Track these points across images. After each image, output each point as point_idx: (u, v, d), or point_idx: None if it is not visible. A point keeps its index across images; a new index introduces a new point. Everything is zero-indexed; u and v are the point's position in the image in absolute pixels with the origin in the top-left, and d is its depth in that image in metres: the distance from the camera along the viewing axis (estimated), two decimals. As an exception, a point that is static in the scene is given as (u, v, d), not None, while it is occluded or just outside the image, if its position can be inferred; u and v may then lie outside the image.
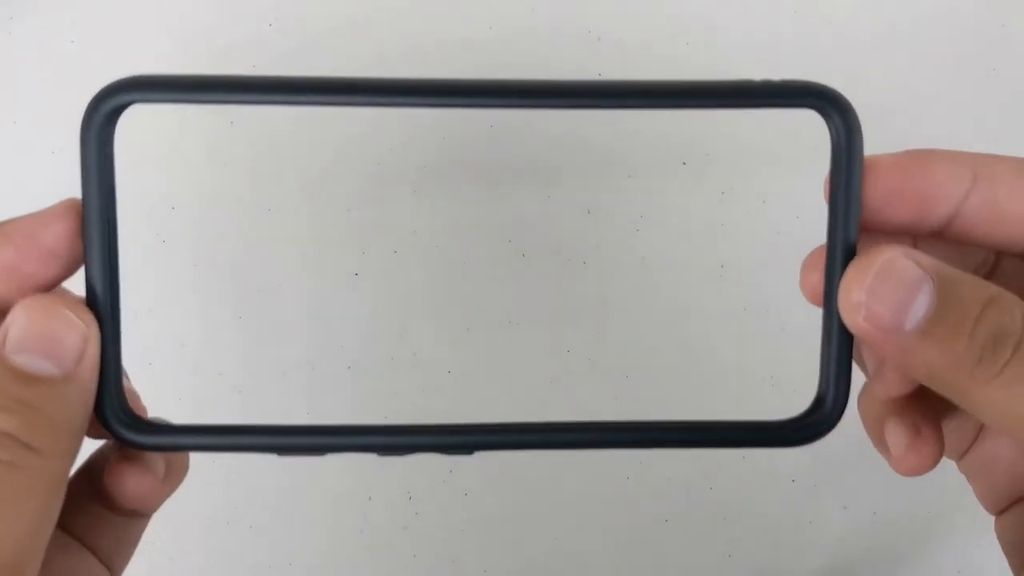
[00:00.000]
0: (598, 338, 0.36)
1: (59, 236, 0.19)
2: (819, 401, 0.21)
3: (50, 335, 0.17)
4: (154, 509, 0.22)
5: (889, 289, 0.17)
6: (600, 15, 0.36)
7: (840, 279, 0.19)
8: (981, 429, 0.22)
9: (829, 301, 0.19)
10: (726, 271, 0.36)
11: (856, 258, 0.18)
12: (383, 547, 0.37)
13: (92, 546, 0.23)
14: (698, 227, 0.36)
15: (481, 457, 0.35)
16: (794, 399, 0.36)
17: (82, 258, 0.19)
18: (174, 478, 0.22)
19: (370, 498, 0.36)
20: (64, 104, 0.37)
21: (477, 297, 0.36)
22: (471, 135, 0.36)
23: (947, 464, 0.36)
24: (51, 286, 0.19)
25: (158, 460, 0.21)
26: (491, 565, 0.37)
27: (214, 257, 0.36)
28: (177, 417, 0.21)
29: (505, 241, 0.36)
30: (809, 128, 0.36)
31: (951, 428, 0.23)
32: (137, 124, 0.35)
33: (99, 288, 0.19)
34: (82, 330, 0.17)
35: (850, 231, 0.19)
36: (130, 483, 0.20)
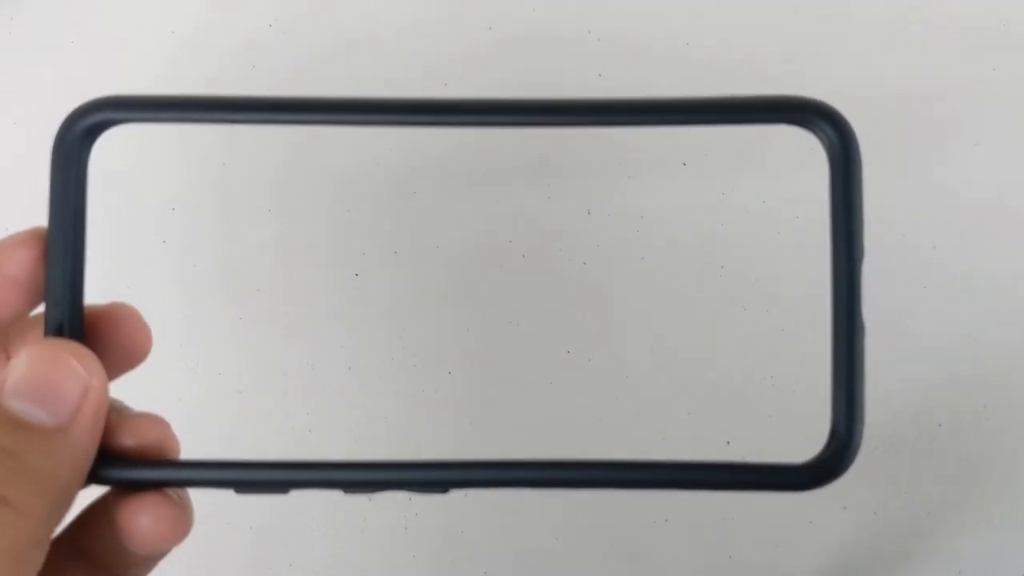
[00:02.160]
0: (598, 338, 0.36)
1: (21, 264, 0.18)
2: (833, 436, 0.20)
3: (47, 382, 0.16)
4: (167, 550, 0.21)
5: None
6: (600, 15, 0.36)
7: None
8: None
9: (841, 321, 0.19)
10: (726, 271, 0.36)
11: None
12: (383, 547, 0.37)
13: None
14: (698, 227, 0.36)
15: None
16: (794, 399, 0.36)
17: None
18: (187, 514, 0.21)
19: (370, 498, 0.36)
20: (64, 105, 0.37)
21: (477, 297, 0.36)
22: (471, 136, 0.36)
23: (949, 465, 0.36)
24: (16, 316, 0.19)
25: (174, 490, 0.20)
26: (491, 565, 0.37)
27: (214, 257, 0.36)
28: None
29: (505, 241, 0.36)
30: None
31: None
32: (136, 124, 0.35)
33: (59, 316, 0.18)
34: (82, 380, 0.16)
35: (854, 246, 0.19)
36: (147, 519, 0.19)
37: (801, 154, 0.35)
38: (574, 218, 0.36)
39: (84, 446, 0.16)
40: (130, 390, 0.22)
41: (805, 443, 0.21)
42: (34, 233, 0.19)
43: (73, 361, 0.16)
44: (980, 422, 0.36)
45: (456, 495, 0.37)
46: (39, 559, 0.16)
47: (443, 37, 0.36)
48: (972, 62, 0.36)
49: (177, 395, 0.35)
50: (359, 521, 0.36)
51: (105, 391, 0.17)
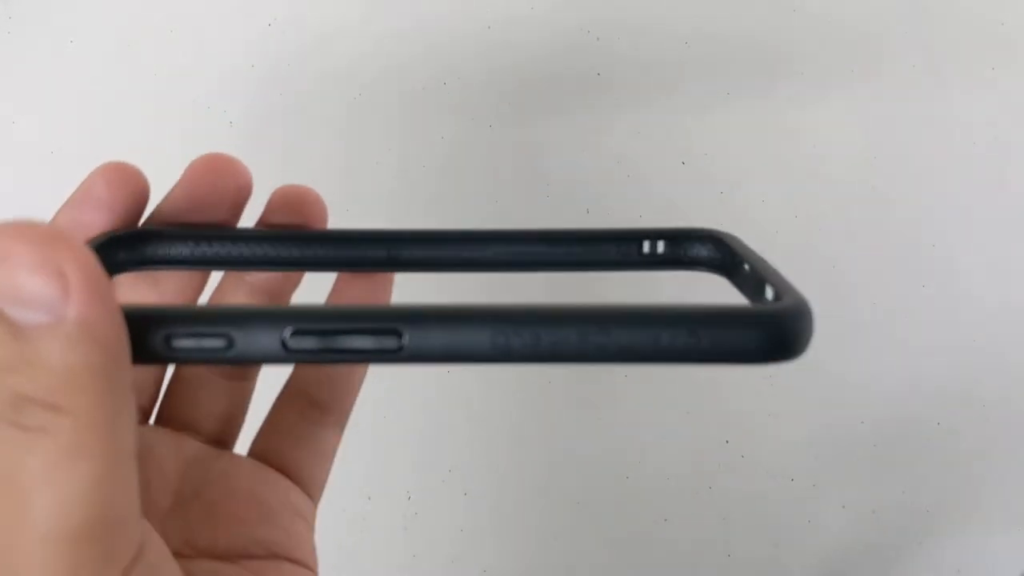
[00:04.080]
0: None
1: (104, 188, 0.20)
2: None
3: (15, 281, 0.14)
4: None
5: None
6: (598, 14, 0.36)
7: None
8: None
9: None
10: (725, 271, 0.36)
11: None
12: (383, 547, 0.37)
13: (284, 465, 0.23)
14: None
15: (480, 456, 0.35)
16: (794, 400, 0.36)
17: (135, 210, 0.20)
18: None
19: (370, 498, 0.36)
20: (63, 105, 0.37)
21: (478, 299, 0.36)
22: (472, 137, 0.36)
23: (947, 464, 0.36)
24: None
25: None
26: (491, 565, 0.37)
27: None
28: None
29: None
30: (810, 130, 0.36)
31: None
32: (136, 121, 0.35)
33: None
34: (55, 269, 0.15)
35: None
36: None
37: (803, 154, 0.35)
38: (574, 218, 0.36)
39: (98, 326, 0.15)
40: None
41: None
42: (117, 164, 0.20)
43: (33, 253, 0.15)
44: (978, 422, 0.36)
45: (457, 493, 0.37)
46: (127, 435, 0.15)
47: (441, 40, 0.36)
48: None
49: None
50: (359, 521, 0.36)
51: (87, 262, 0.15)
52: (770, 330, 0.17)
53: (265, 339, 0.17)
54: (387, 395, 0.36)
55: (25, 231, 0.15)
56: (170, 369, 0.24)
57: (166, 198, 0.21)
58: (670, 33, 0.36)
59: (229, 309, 0.18)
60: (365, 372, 0.25)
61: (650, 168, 0.36)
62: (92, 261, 0.15)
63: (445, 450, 0.37)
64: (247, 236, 0.22)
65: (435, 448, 0.37)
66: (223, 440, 0.24)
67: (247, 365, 0.18)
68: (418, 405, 0.36)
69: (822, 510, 0.37)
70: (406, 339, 0.17)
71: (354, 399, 0.25)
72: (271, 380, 0.25)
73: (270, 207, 0.22)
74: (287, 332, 0.17)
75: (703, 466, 0.37)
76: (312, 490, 0.24)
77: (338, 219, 0.23)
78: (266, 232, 0.22)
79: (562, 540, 0.37)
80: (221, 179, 0.21)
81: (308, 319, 0.17)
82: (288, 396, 0.24)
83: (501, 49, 0.36)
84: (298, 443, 0.24)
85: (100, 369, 0.15)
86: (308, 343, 0.17)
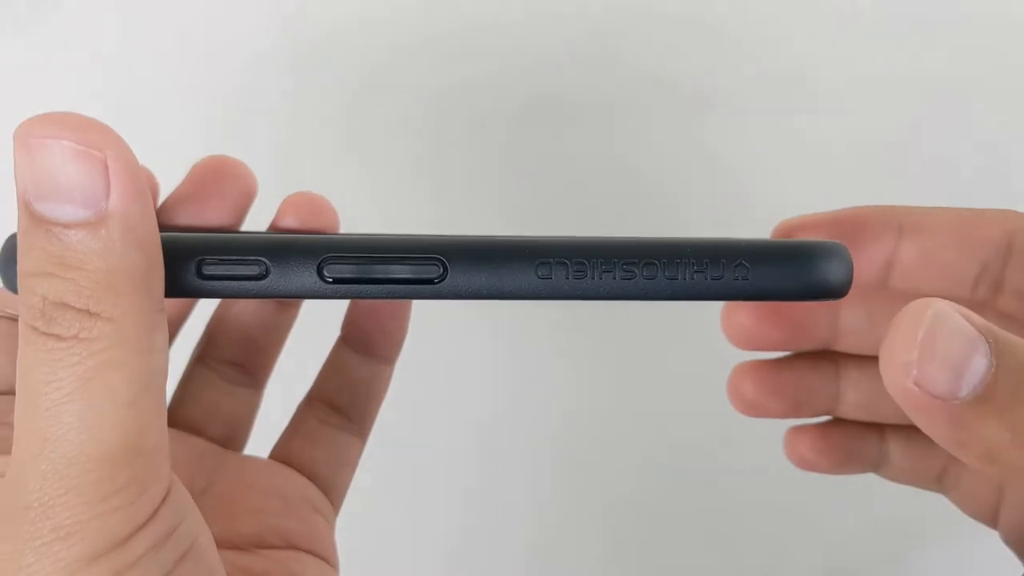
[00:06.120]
0: (598, 344, 0.36)
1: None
2: None
3: (52, 170, 0.14)
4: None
5: (944, 348, 0.14)
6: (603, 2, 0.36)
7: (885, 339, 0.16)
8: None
9: None
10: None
11: (902, 310, 0.15)
12: (383, 547, 0.37)
13: (302, 463, 0.23)
14: (698, 227, 0.36)
15: (479, 456, 0.35)
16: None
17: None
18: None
19: (370, 498, 0.36)
20: (62, 105, 0.37)
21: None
22: (472, 139, 0.36)
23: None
24: None
25: None
26: (491, 565, 0.37)
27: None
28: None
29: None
30: (812, 129, 0.36)
31: (920, 452, 0.23)
32: (134, 122, 0.35)
33: None
34: (97, 158, 0.14)
35: None
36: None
37: (804, 154, 0.35)
38: (574, 218, 0.36)
39: (137, 223, 0.14)
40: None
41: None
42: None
43: (75, 139, 0.14)
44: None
45: (457, 493, 0.37)
46: (162, 350, 0.15)
47: (439, 32, 0.36)
48: None
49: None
50: (360, 521, 0.36)
51: (128, 157, 0.14)
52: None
53: (301, 267, 0.16)
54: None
55: (63, 118, 0.14)
56: (177, 374, 0.23)
57: (169, 199, 0.21)
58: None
59: (264, 235, 0.17)
60: (389, 379, 0.25)
61: (650, 165, 0.36)
62: (131, 154, 0.14)
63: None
64: None
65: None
66: (230, 446, 0.24)
67: (282, 298, 0.17)
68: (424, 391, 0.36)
69: (823, 511, 0.37)
70: (448, 268, 0.16)
71: (377, 408, 0.25)
72: (293, 391, 0.24)
73: (281, 214, 0.22)
74: (324, 259, 0.16)
75: (704, 466, 0.37)
76: (331, 494, 0.24)
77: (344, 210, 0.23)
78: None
79: (562, 540, 0.37)
80: (225, 181, 0.21)
81: (346, 247, 0.16)
82: (310, 401, 0.24)
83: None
84: (318, 446, 0.24)
85: (140, 274, 0.14)
86: (346, 271, 0.16)
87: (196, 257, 0.16)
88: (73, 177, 0.14)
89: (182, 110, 0.35)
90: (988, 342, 0.15)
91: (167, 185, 0.22)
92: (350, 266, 0.16)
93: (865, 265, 0.21)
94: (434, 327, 0.34)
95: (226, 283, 0.16)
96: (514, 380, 0.37)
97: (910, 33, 0.35)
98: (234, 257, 0.16)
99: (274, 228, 0.22)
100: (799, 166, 0.35)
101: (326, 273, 0.16)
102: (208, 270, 0.16)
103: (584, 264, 0.17)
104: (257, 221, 0.22)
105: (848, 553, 0.37)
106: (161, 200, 0.21)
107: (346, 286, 0.16)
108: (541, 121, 0.36)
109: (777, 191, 0.19)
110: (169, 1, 0.36)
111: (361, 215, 0.25)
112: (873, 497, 0.36)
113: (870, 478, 0.25)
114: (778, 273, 0.17)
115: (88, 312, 0.14)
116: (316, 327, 0.24)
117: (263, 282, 0.16)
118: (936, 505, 0.24)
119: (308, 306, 0.24)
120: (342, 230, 0.22)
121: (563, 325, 0.36)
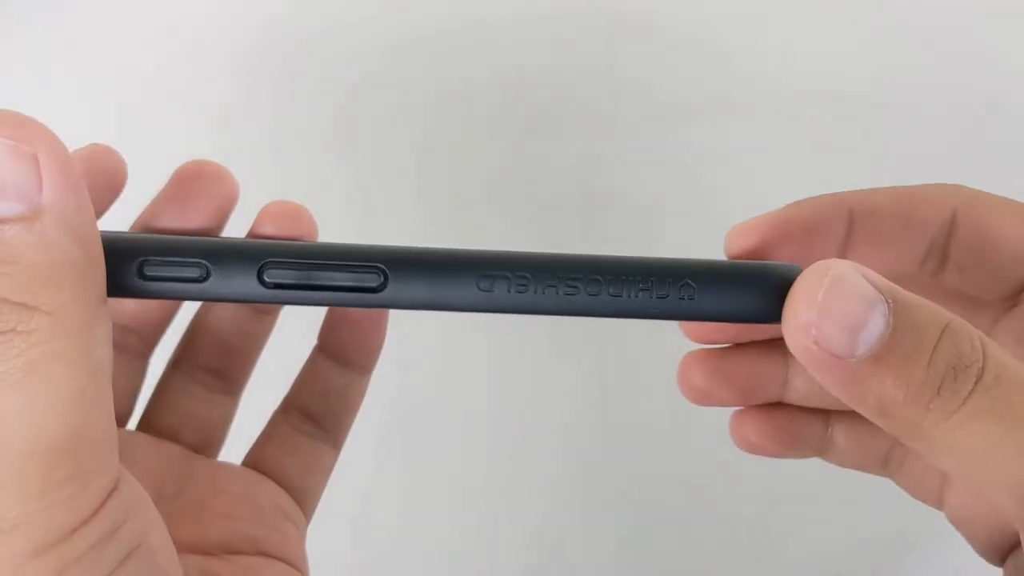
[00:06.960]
0: (600, 344, 0.36)
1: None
2: None
3: None
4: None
5: (841, 308, 0.15)
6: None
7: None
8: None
9: None
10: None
11: (803, 272, 0.16)
12: (383, 546, 0.37)
13: (274, 471, 0.23)
14: (698, 227, 0.36)
15: (479, 456, 0.35)
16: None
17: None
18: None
19: (371, 498, 0.36)
20: (61, 105, 0.37)
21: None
22: (472, 141, 0.36)
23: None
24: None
25: None
26: (491, 565, 0.37)
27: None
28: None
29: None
30: (814, 129, 0.36)
31: (864, 435, 0.22)
32: (134, 119, 0.35)
33: None
34: (28, 153, 0.14)
35: None
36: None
37: (805, 155, 0.35)
38: (574, 218, 0.36)
39: (72, 216, 0.14)
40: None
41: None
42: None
43: (6, 136, 0.14)
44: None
45: (458, 493, 0.37)
46: (105, 342, 0.15)
47: (440, 27, 0.36)
48: None
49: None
50: (360, 521, 0.36)
51: (60, 151, 0.14)
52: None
53: (241, 271, 0.16)
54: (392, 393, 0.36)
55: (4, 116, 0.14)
56: (153, 379, 0.23)
57: (152, 204, 0.21)
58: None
59: (206, 240, 0.17)
60: (364, 389, 0.25)
61: (650, 165, 0.36)
62: (63, 148, 0.14)
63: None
64: None
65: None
66: (204, 452, 0.23)
67: (223, 301, 0.17)
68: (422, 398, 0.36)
69: (823, 512, 0.37)
70: (388, 277, 0.16)
71: (352, 418, 0.25)
72: (270, 396, 0.24)
73: (258, 222, 0.21)
74: (264, 264, 0.16)
75: (703, 467, 0.37)
76: (303, 502, 0.24)
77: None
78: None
79: (562, 540, 0.37)
80: (205, 185, 0.21)
81: (287, 252, 0.17)
82: (285, 409, 0.24)
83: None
84: (291, 453, 0.24)
85: (79, 265, 0.14)
86: (285, 276, 0.16)
87: (138, 258, 0.16)
88: (5, 173, 0.14)
89: (173, 111, 0.35)
90: (887, 302, 0.15)
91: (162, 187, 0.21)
92: (291, 271, 0.16)
93: (820, 257, 0.20)
94: (434, 327, 0.34)
95: (167, 284, 0.16)
96: (515, 380, 0.37)
97: (894, 39, 0.35)
98: (175, 259, 0.16)
99: (252, 236, 0.22)
100: (783, 176, 0.35)
101: (266, 278, 0.16)
102: (150, 271, 0.16)
103: (527, 278, 0.17)
104: (245, 226, 0.22)
105: (848, 554, 0.37)
106: (148, 202, 0.21)
107: (286, 291, 0.17)
108: (526, 131, 0.36)
109: (762, 203, 0.19)
110: (159, 3, 0.36)
111: (349, 219, 0.25)
112: (871, 504, 0.36)
113: (868, 486, 0.25)
114: (726, 295, 0.17)
115: (25, 306, 0.14)
116: (295, 335, 0.24)
117: (204, 284, 0.16)
118: (933, 513, 0.24)
119: (287, 313, 0.24)
120: (327, 234, 0.22)
121: (565, 325, 0.36)
